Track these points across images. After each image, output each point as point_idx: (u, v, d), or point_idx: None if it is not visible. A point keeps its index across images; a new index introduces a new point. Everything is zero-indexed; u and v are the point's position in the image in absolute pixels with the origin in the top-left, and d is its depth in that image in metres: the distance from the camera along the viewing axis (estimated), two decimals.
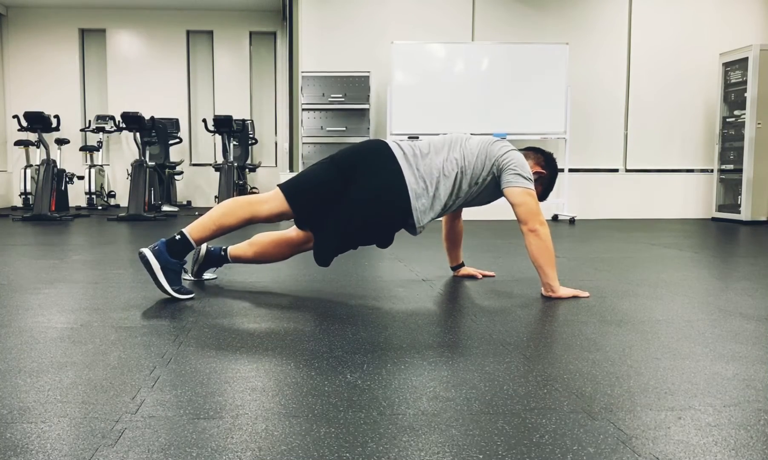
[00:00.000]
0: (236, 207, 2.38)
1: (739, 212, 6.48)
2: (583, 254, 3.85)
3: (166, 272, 2.31)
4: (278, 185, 2.44)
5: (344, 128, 6.63)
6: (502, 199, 2.56)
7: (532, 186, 2.48)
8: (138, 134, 6.78)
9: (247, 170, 8.44)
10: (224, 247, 2.75)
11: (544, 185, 2.67)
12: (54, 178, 6.55)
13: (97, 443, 1.11)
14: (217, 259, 2.74)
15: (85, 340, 1.79)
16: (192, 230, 2.36)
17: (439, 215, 2.55)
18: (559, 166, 6.59)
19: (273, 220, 2.43)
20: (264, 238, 2.67)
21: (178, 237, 2.34)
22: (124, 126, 6.79)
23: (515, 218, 2.49)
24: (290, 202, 2.38)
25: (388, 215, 2.42)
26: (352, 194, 2.37)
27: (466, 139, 2.55)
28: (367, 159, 2.43)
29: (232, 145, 7.17)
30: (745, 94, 6.40)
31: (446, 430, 1.18)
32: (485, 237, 4.80)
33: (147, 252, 2.30)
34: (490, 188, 2.53)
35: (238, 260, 2.72)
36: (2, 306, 2.24)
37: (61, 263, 3.29)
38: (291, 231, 2.62)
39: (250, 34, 9.26)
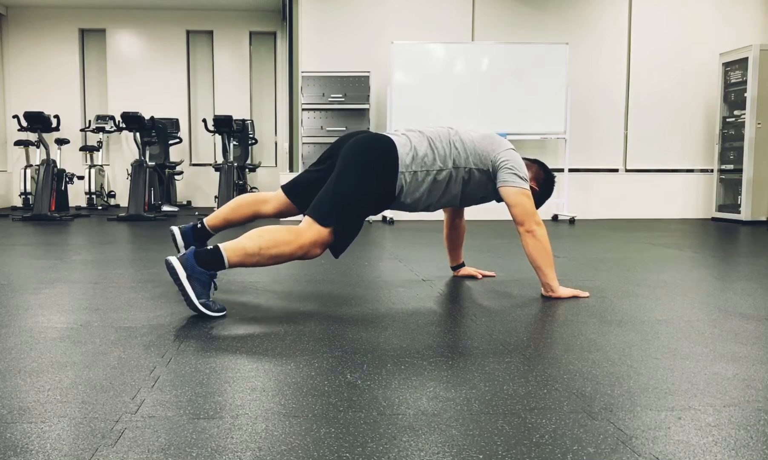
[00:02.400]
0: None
1: (739, 212, 6.48)
2: (583, 254, 3.85)
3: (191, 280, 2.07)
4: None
5: (344, 128, 6.62)
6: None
7: (528, 186, 2.47)
8: (138, 134, 6.77)
9: (247, 170, 8.44)
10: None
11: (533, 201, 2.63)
12: (54, 178, 6.55)
13: (97, 443, 1.11)
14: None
15: (85, 340, 1.79)
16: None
17: (423, 187, 2.41)
18: (559, 166, 6.65)
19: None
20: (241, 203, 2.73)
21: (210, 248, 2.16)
22: (124, 126, 6.78)
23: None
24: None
25: (377, 159, 2.35)
26: (340, 159, 2.37)
27: (467, 128, 2.57)
28: (350, 136, 2.51)
29: (232, 145, 7.17)
30: (745, 94, 6.39)
31: (446, 430, 1.18)
32: (485, 237, 4.80)
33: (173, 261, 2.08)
34: (488, 186, 2.51)
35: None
36: (2, 306, 2.24)
37: (61, 263, 3.29)
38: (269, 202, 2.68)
39: (250, 34, 9.25)
